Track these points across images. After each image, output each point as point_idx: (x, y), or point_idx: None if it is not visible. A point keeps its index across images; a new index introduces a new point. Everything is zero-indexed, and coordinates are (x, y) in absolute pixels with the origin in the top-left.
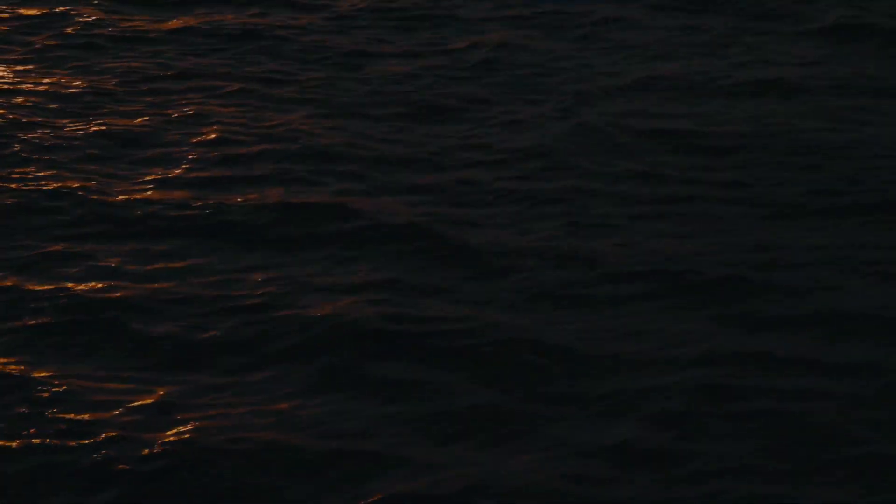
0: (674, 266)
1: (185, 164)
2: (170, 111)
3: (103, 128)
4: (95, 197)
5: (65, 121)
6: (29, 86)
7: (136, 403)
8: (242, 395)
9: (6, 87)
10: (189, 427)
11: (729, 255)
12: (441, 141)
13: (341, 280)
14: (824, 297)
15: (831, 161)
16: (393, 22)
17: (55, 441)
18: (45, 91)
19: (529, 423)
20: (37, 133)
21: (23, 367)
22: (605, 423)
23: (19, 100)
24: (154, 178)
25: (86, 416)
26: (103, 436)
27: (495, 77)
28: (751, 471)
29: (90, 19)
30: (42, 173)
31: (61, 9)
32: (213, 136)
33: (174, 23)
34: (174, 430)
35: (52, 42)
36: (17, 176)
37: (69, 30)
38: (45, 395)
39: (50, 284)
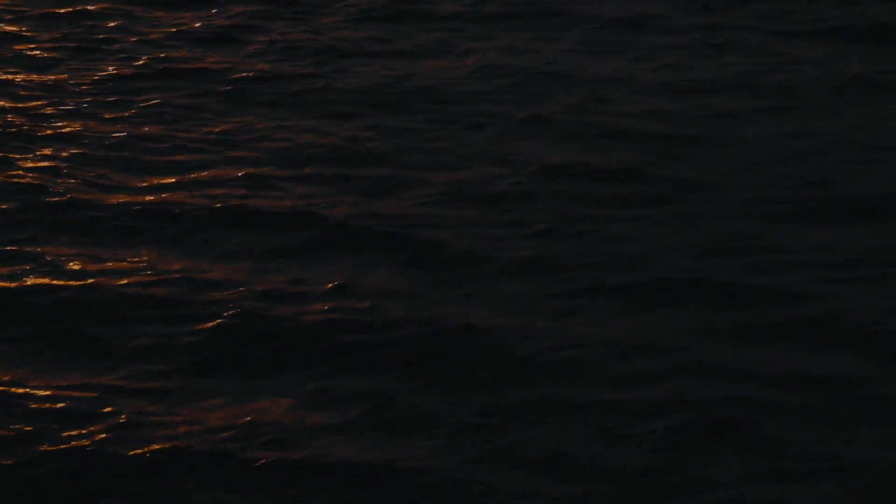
0: (658, 272)
1: (159, 165)
2: (148, 112)
3: (75, 128)
4: (62, 199)
5: (39, 120)
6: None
7: (95, 411)
8: (206, 404)
9: None
10: (154, 437)
11: (715, 260)
12: (429, 142)
13: (314, 287)
14: (811, 303)
15: (823, 162)
16: (388, 23)
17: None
18: (14, 92)
19: (499, 433)
20: (10, 130)
21: None
22: (581, 435)
23: None
24: (126, 180)
25: (51, 425)
26: (67, 446)
27: (486, 78)
28: (727, 483)
29: (75, 19)
30: (8, 175)
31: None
32: (191, 137)
33: (156, 23)
34: (136, 439)
35: (32, 42)
36: None
37: (57, 34)
38: (7, 402)
39: (8, 285)
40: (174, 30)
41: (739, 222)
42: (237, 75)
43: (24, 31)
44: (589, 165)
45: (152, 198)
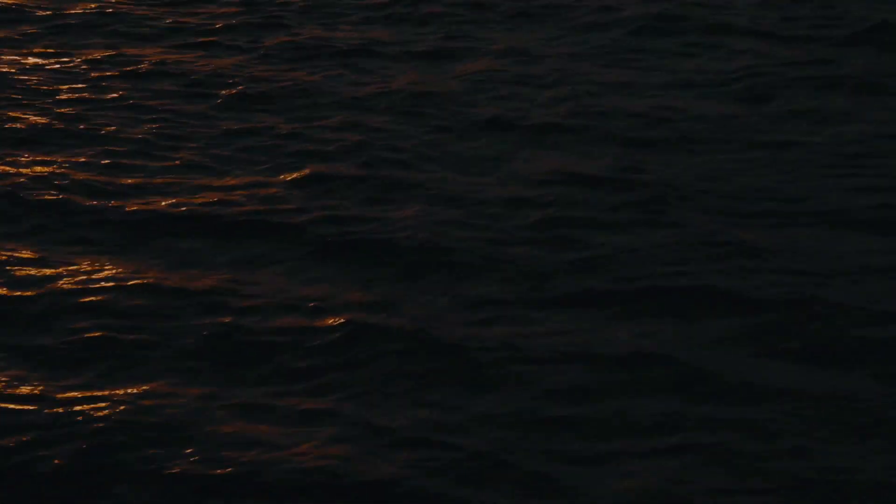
0: (650, 280)
1: (137, 170)
2: (130, 115)
3: (53, 132)
4: (37, 203)
5: (15, 122)
6: None
7: (66, 421)
8: (186, 413)
9: None
10: (126, 446)
11: (706, 267)
12: (420, 147)
13: (298, 295)
14: (801, 311)
15: (818, 167)
16: (384, 25)
17: None
18: None
19: (484, 447)
20: None
21: None
22: (567, 450)
23: None
24: (103, 185)
25: (32, 431)
26: (44, 453)
27: (481, 82)
28: (714, 495)
29: (59, 19)
30: None
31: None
32: (174, 144)
33: (145, 24)
34: (110, 447)
35: (16, 44)
36: None
37: (39, 34)
38: None
39: None
40: (162, 31)
41: (735, 228)
42: (226, 78)
43: (10, 31)
44: (580, 171)
45: (129, 204)
